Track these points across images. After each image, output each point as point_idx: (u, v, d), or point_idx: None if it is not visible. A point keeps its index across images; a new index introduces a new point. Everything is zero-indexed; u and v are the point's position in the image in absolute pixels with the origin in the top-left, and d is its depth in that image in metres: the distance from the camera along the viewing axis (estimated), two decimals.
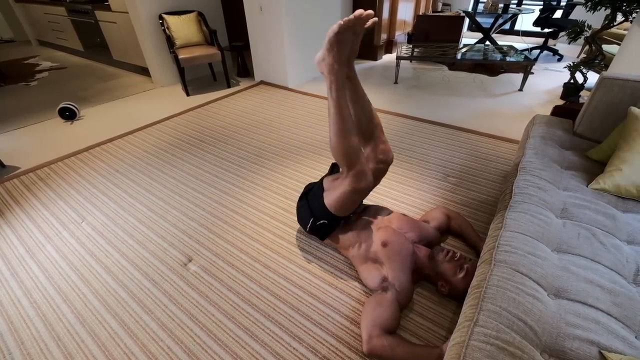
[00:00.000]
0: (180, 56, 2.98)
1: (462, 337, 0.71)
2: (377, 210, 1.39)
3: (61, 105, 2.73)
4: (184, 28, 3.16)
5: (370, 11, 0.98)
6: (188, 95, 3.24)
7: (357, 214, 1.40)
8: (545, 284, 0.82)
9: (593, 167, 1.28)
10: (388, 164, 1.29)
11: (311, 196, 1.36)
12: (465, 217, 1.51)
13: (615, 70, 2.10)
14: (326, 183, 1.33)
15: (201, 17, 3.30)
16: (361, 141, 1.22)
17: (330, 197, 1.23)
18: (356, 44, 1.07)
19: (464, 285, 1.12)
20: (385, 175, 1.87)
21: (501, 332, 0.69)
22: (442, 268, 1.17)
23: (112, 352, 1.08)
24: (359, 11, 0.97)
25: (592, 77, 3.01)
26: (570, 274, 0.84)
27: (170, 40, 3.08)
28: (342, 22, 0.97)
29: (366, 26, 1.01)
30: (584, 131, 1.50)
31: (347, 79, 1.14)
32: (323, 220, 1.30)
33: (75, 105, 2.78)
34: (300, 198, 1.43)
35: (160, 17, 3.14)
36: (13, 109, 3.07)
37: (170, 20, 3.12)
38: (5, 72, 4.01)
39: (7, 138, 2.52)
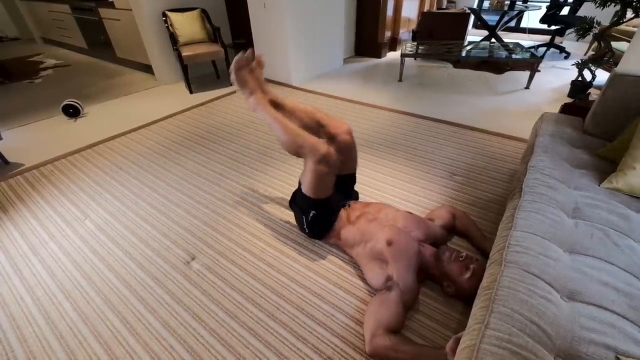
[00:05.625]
0: (184, 53, 2.96)
1: (473, 340, 0.69)
2: (382, 209, 1.37)
3: (65, 103, 2.72)
4: (187, 25, 3.15)
5: (249, 52, 1.27)
6: (191, 92, 3.23)
7: (350, 207, 1.41)
8: (558, 285, 0.79)
9: (605, 165, 1.25)
10: (346, 133, 1.35)
11: (297, 199, 1.40)
12: (470, 217, 1.48)
13: (625, 67, 2.06)
14: (300, 179, 1.37)
15: (204, 14, 3.28)
16: (311, 133, 1.29)
17: (305, 184, 1.29)
18: (257, 75, 1.33)
19: (469, 286, 1.10)
20: (390, 174, 1.87)
21: (513, 336, 0.67)
22: (447, 268, 1.15)
23: (114, 351, 1.07)
24: (238, 56, 1.26)
25: (601, 75, 2.96)
26: (583, 275, 0.81)
27: (173, 38, 3.07)
28: (231, 68, 1.28)
29: (252, 64, 1.30)
30: (594, 129, 1.46)
31: (271, 104, 1.32)
32: (312, 211, 1.32)
33: (79, 103, 2.78)
34: (290, 206, 1.47)
35: (164, 15, 3.13)
36: (17, 106, 3.08)
37: (174, 17, 3.11)
38: (10, 69, 4.03)
39: (11, 135, 2.52)
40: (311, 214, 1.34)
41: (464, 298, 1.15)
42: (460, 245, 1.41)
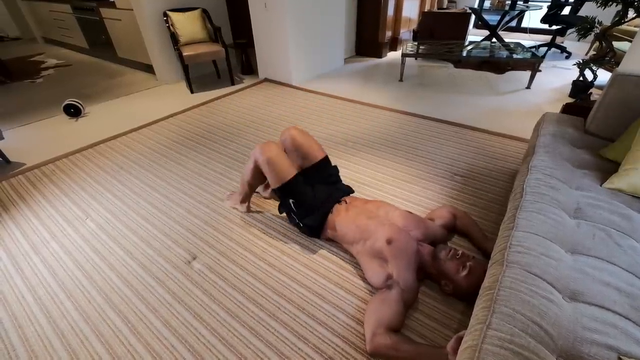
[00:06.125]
0: (185, 53, 2.96)
1: (475, 340, 0.69)
2: (382, 206, 1.37)
3: (66, 102, 2.73)
4: (188, 25, 3.15)
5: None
6: (192, 92, 3.23)
7: (347, 203, 1.42)
8: (560, 286, 0.79)
9: (606, 166, 1.25)
10: (289, 130, 1.49)
11: (280, 203, 1.52)
12: (471, 217, 1.48)
13: (627, 67, 2.05)
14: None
15: (205, 14, 3.29)
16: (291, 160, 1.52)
17: (269, 182, 1.42)
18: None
19: (467, 284, 1.11)
20: (391, 174, 1.87)
21: (515, 336, 0.67)
22: (444, 266, 1.16)
23: (116, 350, 1.07)
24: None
25: (602, 75, 2.96)
26: (585, 276, 0.81)
27: (174, 38, 3.07)
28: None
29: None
30: (596, 129, 1.46)
31: (251, 187, 1.57)
32: (289, 199, 1.41)
33: (80, 102, 2.79)
34: (280, 211, 1.54)
35: (165, 14, 3.13)
36: (19, 105, 3.08)
37: (175, 17, 3.11)
38: (12, 69, 4.03)
39: (12, 134, 2.53)
40: (291, 203, 1.40)
41: (462, 296, 1.15)
42: (461, 246, 1.40)
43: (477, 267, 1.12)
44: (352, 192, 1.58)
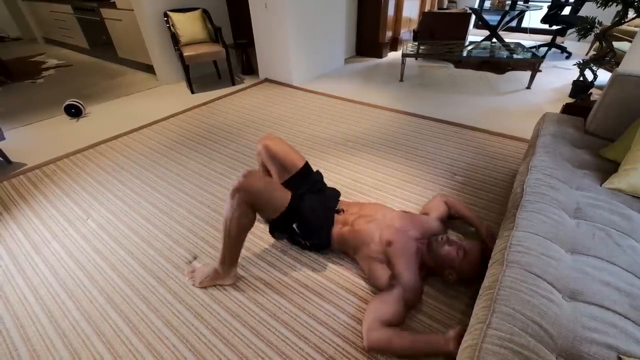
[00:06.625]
0: (185, 54, 2.97)
1: (475, 339, 0.69)
2: (378, 209, 1.37)
3: (67, 103, 2.73)
4: (188, 25, 3.15)
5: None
6: (193, 92, 3.23)
7: (345, 212, 1.38)
8: (560, 286, 0.80)
9: (606, 166, 1.25)
10: (262, 140, 1.41)
11: (275, 230, 1.41)
12: (462, 203, 1.51)
13: (627, 67, 2.05)
14: (263, 217, 1.43)
15: (206, 15, 3.29)
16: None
17: (266, 214, 1.30)
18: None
19: (468, 266, 1.13)
20: (391, 174, 1.87)
21: (515, 335, 0.67)
22: (441, 255, 1.16)
23: (117, 350, 1.07)
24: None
25: (602, 75, 2.96)
26: (585, 275, 0.82)
27: (175, 38, 3.08)
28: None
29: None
30: (596, 129, 1.46)
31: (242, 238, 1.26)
32: (293, 224, 1.30)
33: (81, 103, 2.79)
34: (274, 235, 1.46)
35: (165, 15, 3.13)
36: (20, 106, 3.09)
37: (175, 17, 3.11)
38: (12, 69, 4.04)
39: (13, 135, 2.53)
40: (296, 226, 1.31)
41: (468, 280, 1.17)
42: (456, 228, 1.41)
43: (472, 247, 1.15)
44: (339, 194, 1.52)
